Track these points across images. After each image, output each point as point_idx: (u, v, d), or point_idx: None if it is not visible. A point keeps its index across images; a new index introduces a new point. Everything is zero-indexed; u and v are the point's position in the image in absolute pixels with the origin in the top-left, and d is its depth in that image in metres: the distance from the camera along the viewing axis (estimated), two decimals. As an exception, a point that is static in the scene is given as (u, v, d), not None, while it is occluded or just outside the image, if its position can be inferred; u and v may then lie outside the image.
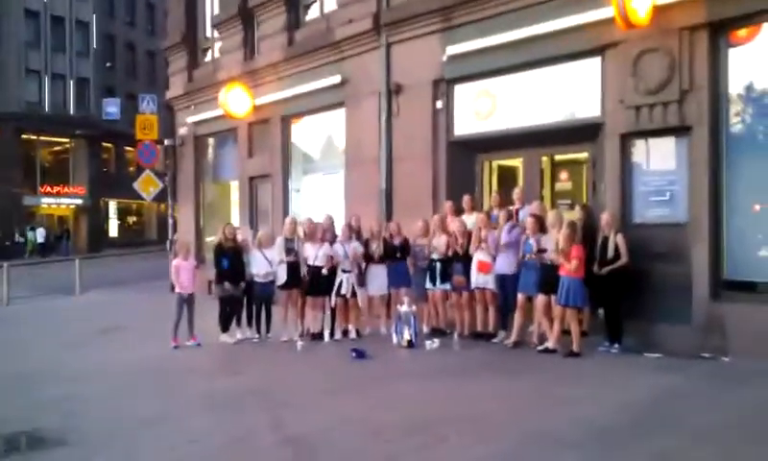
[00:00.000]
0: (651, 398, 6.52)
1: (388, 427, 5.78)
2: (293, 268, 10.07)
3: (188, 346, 9.89)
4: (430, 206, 11.04)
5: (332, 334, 10.14)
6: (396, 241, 10.24)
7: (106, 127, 40.24)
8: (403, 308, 9.41)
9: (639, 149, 9.04)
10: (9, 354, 10.15)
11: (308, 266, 10.04)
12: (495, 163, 11.66)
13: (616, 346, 8.44)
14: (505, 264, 9.17)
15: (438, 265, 9.77)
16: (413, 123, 11.53)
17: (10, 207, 37.60)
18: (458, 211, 10.21)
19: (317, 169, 14.50)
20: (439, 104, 11.26)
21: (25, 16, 39.61)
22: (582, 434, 5.44)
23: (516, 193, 10.04)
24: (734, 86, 8.30)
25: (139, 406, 6.84)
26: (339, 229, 10.50)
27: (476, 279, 9.39)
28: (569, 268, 8.19)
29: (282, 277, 10.13)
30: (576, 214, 9.56)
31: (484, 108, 10.88)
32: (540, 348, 8.61)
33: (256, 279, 10.21)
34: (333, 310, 10.19)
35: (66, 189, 41.68)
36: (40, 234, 38.21)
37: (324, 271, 9.95)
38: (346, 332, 10.21)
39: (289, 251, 10.09)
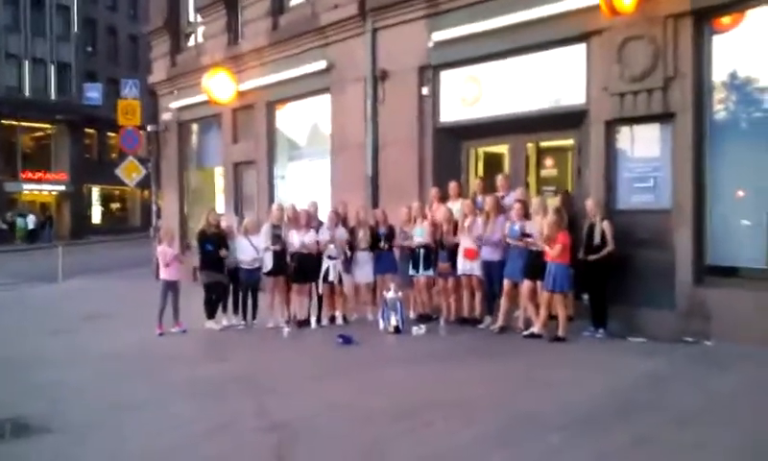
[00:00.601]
0: (635, 381, 6.61)
1: (375, 413, 5.80)
2: (279, 255, 10.04)
3: (174, 332, 9.86)
4: (416, 192, 11.03)
5: (319, 321, 10.14)
6: (382, 229, 10.24)
7: (87, 112, 39.77)
8: (390, 294, 9.44)
9: (624, 136, 9.08)
10: (-9, 342, 10.05)
11: (292, 253, 10.01)
12: (481, 150, 11.66)
13: (601, 330, 8.53)
14: (491, 250, 9.21)
15: (421, 252, 9.78)
16: (399, 109, 11.49)
17: (-9, 194, 37.10)
18: (444, 198, 10.22)
19: (302, 155, 14.42)
20: (425, 90, 11.22)
21: (3, 0, 38.84)
22: (567, 417, 5.50)
23: (500, 180, 9.90)
24: (718, 74, 8.34)
25: (124, 393, 6.81)
26: (325, 215, 10.45)
27: (462, 265, 9.42)
28: (553, 254, 8.25)
29: (268, 263, 10.10)
30: (555, 201, 9.60)
31: (470, 94, 10.87)
32: (525, 333, 8.68)
33: (242, 266, 10.18)
34: (320, 297, 10.19)
35: (48, 175, 41.16)
36: (31, 221, 37.87)
37: (314, 252, 9.89)
38: (333, 319, 10.23)
39: (276, 238, 10.05)
